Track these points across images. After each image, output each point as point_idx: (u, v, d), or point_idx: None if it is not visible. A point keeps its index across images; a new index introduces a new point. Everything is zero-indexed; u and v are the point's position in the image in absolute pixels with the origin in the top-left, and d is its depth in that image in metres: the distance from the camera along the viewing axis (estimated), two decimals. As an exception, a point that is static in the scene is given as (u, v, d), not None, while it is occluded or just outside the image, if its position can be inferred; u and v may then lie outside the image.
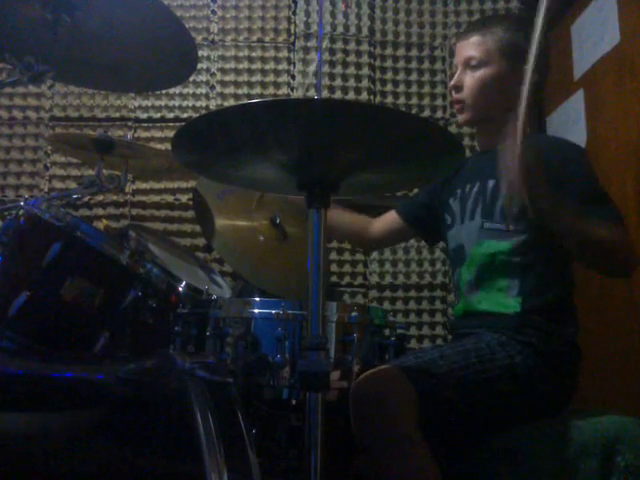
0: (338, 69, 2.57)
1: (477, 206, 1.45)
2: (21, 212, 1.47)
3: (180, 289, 1.62)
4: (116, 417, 0.94)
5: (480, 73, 1.46)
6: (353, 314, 1.30)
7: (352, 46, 2.59)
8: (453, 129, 2.48)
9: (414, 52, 2.61)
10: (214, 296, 1.49)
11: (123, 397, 0.96)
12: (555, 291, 1.38)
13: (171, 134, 2.53)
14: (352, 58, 2.58)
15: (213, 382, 0.95)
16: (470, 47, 1.48)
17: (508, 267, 1.38)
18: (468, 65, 1.48)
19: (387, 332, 1.45)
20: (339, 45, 2.58)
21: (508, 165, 1.13)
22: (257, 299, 1.34)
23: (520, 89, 1.40)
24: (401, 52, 2.61)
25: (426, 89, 2.59)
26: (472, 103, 1.47)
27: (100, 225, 2.30)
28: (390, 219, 1.73)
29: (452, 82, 1.51)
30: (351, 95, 2.56)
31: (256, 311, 1.30)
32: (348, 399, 1.21)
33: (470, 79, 1.47)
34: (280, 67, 2.58)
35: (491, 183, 1.43)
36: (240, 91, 2.56)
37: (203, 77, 2.56)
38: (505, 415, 1.25)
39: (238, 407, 0.94)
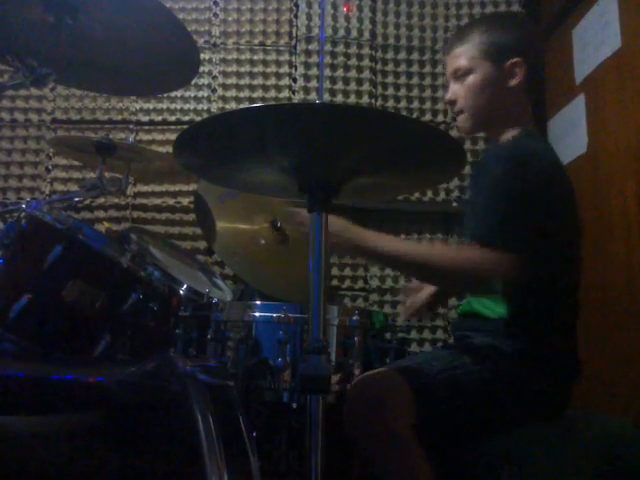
0: (339, 72, 2.57)
1: (469, 220, 1.45)
2: (23, 215, 1.47)
3: (181, 292, 1.63)
4: (117, 420, 0.94)
5: (468, 81, 1.47)
6: (354, 318, 1.30)
7: (353, 49, 2.60)
8: (454, 133, 2.48)
9: (415, 55, 2.62)
10: (215, 299, 1.49)
11: (124, 400, 0.96)
12: (542, 294, 1.35)
13: (173, 137, 2.52)
14: (353, 61, 2.59)
15: (214, 385, 0.94)
16: (454, 60, 1.51)
17: None
18: (457, 77, 1.50)
19: (388, 336, 1.45)
20: (340, 48, 2.59)
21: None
22: (258, 302, 1.34)
23: (510, 83, 1.42)
24: (402, 55, 2.62)
25: (427, 93, 2.60)
26: (469, 111, 1.49)
27: (101, 228, 2.30)
28: None
29: (446, 98, 1.54)
30: (352, 98, 2.56)
31: (257, 314, 1.30)
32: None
33: (461, 89, 1.49)
34: (282, 70, 2.59)
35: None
36: (242, 94, 2.57)
37: (205, 80, 2.57)
38: (499, 417, 1.25)
39: (239, 410, 0.93)
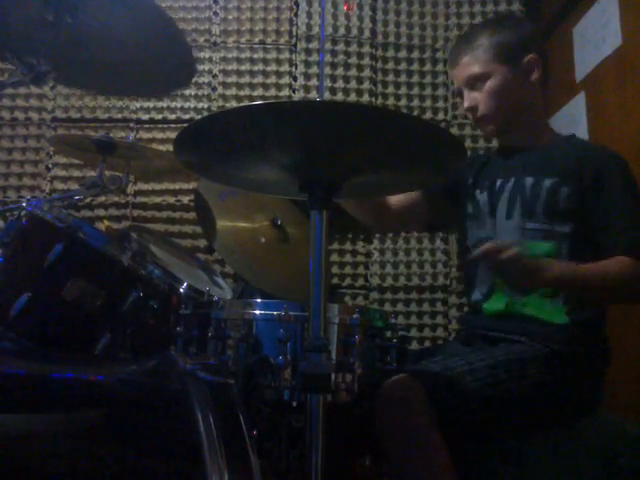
0: (340, 71, 2.57)
1: (514, 204, 1.44)
2: (23, 213, 1.47)
3: (181, 290, 1.62)
4: (117, 418, 0.94)
5: (487, 86, 1.46)
6: (354, 316, 1.30)
7: (354, 48, 2.60)
8: (454, 131, 2.48)
9: (416, 54, 2.62)
10: (215, 297, 1.49)
11: (124, 398, 0.96)
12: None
13: (173, 135, 2.50)
14: (354, 60, 2.59)
15: (214, 383, 0.94)
16: (465, 68, 1.48)
17: None
18: (472, 84, 1.48)
19: (388, 334, 1.45)
20: (341, 47, 2.59)
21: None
22: (259, 300, 1.34)
23: (530, 79, 1.41)
24: (403, 54, 2.61)
25: (428, 91, 2.59)
26: (493, 115, 1.48)
27: (101, 226, 2.30)
28: (409, 194, 1.65)
29: (465, 105, 1.50)
30: (353, 97, 2.56)
31: (258, 312, 1.30)
32: (351, 401, 1.21)
33: (480, 96, 1.47)
34: (282, 69, 2.58)
35: (529, 181, 1.42)
36: (242, 92, 2.57)
37: (205, 79, 2.57)
38: (525, 425, 1.26)
39: (239, 409, 0.93)
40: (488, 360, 1.24)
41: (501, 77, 1.45)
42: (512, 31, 1.49)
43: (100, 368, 1.09)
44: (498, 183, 1.48)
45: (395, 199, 1.66)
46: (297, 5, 2.62)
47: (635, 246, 1.29)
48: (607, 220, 1.33)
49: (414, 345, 2.42)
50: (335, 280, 2.46)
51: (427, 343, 2.43)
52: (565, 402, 1.27)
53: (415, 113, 2.56)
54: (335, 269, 2.47)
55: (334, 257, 2.47)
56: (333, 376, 1.24)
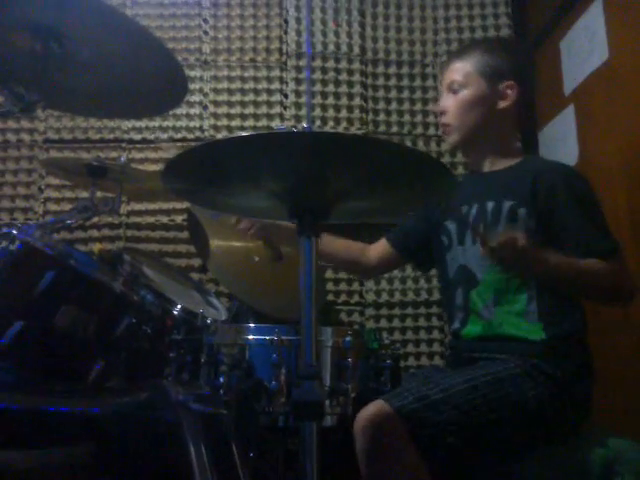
0: (330, 88, 2.58)
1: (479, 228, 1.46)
2: (14, 240, 1.46)
3: (175, 312, 1.62)
4: (111, 451, 0.94)
5: (461, 95, 1.53)
6: (347, 339, 1.30)
7: (344, 64, 2.61)
8: (446, 146, 2.49)
9: (405, 70, 2.63)
10: (209, 320, 1.49)
11: (118, 431, 0.95)
12: (573, 317, 1.40)
13: (165, 155, 2.54)
14: (344, 76, 2.60)
15: (207, 414, 0.94)
16: (452, 72, 1.56)
17: (524, 290, 1.39)
18: (451, 89, 1.55)
19: (382, 354, 1.44)
20: (331, 64, 2.60)
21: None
22: (252, 325, 1.34)
23: (500, 105, 1.45)
24: (392, 70, 2.63)
25: (418, 106, 2.61)
26: (457, 124, 1.53)
27: (95, 248, 2.30)
28: (382, 248, 1.75)
29: (438, 106, 1.59)
30: (343, 113, 2.57)
31: (250, 337, 1.30)
32: (345, 424, 1.21)
33: (453, 101, 1.54)
34: (272, 87, 2.59)
35: (490, 205, 1.46)
36: (233, 110, 2.57)
37: (196, 97, 2.57)
38: (509, 448, 1.25)
39: (232, 439, 0.93)
40: (465, 384, 1.24)
41: (475, 90, 1.52)
42: (503, 55, 1.55)
43: (94, 400, 1.08)
44: (464, 209, 1.52)
45: (372, 254, 1.76)
46: (286, 23, 2.64)
47: (599, 251, 1.32)
48: (566, 235, 1.36)
49: (411, 360, 2.41)
50: (330, 297, 2.46)
51: (424, 358, 2.43)
52: (550, 419, 1.27)
53: (406, 129, 2.57)
54: (330, 286, 2.47)
55: (329, 274, 2.47)
56: (327, 401, 1.25)
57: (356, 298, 2.48)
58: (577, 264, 1.30)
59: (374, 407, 1.17)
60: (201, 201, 1.21)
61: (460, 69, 1.54)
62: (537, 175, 1.43)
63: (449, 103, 1.54)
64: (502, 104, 1.51)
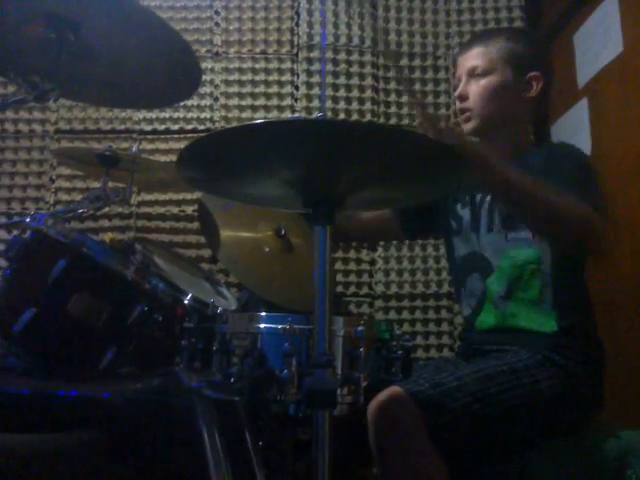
0: (341, 80, 2.58)
1: (494, 217, 1.45)
2: (27, 228, 1.47)
3: (186, 302, 1.62)
4: (123, 437, 0.94)
5: (485, 81, 1.48)
6: (359, 328, 1.30)
7: (355, 57, 2.60)
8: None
9: (417, 62, 2.62)
10: (220, 309, 1.49)
11: (130, 417, 0.96)
12: (586, 307, 1.40)
13: (176, 146, 2.55)
14: (355, 69, 2.59)
15: (220, 401, 0.95)
16: (473, 58, 1.51)
17: (539, 277, 1.38)
18: (472, 75, 1.50)
19: (394, 345, 1.44)
20: (342, 56, 2.59)
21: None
22: (263, 314, 1.34)
23: (526, 95, 1.43)
24: (404, 62, 2.62)
25: (430, 99, 2.59)
26: (478, 111, 1.49)
27: (106, 238, 2.31)
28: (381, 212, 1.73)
29: (457, 92, 1.53)
30: (355, 105, 2.56)
31: (262, 326, 1.30)
32: (357, 413, 1.21)
33: (476, 87, 1.49)
34: (283, 78, 2.59)
35: None
36: (244, 102, 2.57)
37: (207, 89, 2.57)
38: (522, 439, 1.25)
39: (245, 426, 0.94)
40: (478, 374, 1.24)
41: (502, 78, 1.47)
42: (526, 44, 1.52)
43: (105, 386, 1.09)
44: (478, 197, 1.50)
45: (367, 217, 1.74)
46: (298, 15, 2.63)
47: (589, 203, 1.25)
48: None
49: (420, 353, 2.41)
50: (339, 288, 2.46)
51: (433, 350, 2.43)
52: (562, 410, 1.26)
53: (417, 121, 2.55)
54: (339, 277, 2.47)
55: (338, 265, 2.47)
56: (339, 390, 1.25)
57: (365, 290, 2.48)
58: (543, 182, 1.23)
59: (389, 391, 1.18)
60: (214, 190, 1.22)
61: (484, 54, 1.49)
62: (549, 156, 1.42)
63: (471, 88, 1.49)
64: (526, 95, 1.48)
